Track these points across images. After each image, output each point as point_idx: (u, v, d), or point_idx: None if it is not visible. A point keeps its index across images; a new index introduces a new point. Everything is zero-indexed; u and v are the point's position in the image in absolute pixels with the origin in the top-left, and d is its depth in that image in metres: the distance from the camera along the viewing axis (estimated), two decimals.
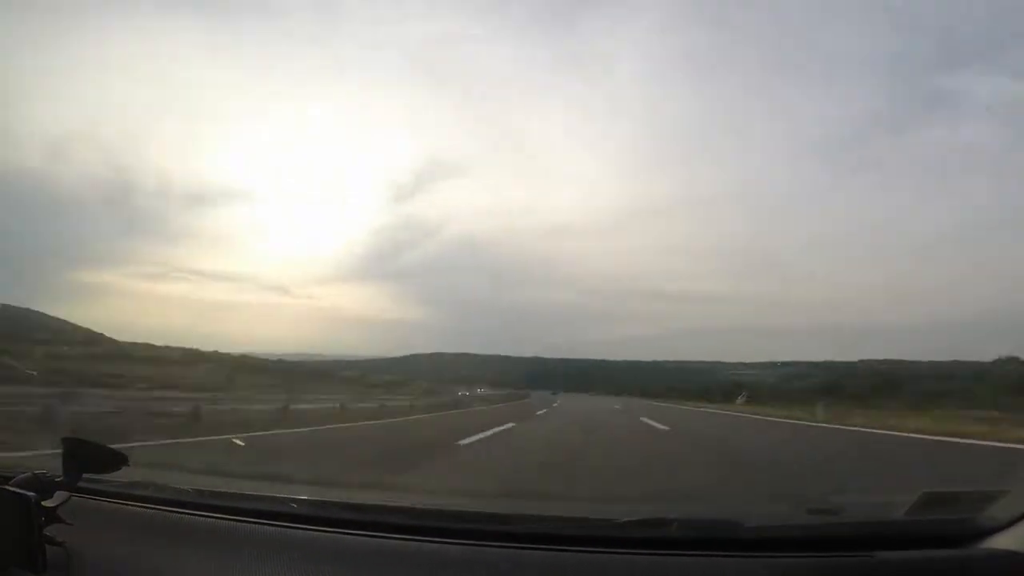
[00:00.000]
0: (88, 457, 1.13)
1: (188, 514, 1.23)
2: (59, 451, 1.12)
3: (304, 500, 1.28)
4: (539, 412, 18.03)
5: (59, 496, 1.05)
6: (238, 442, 6.25)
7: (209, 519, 1.21)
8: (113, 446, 1.17)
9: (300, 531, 1.12)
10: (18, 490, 0.97)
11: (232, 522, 1.19)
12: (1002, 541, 0.90)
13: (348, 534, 1.10)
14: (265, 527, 1.15)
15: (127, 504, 1.29)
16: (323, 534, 1.11)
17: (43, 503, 0.98)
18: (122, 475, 1.22)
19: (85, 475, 1.13)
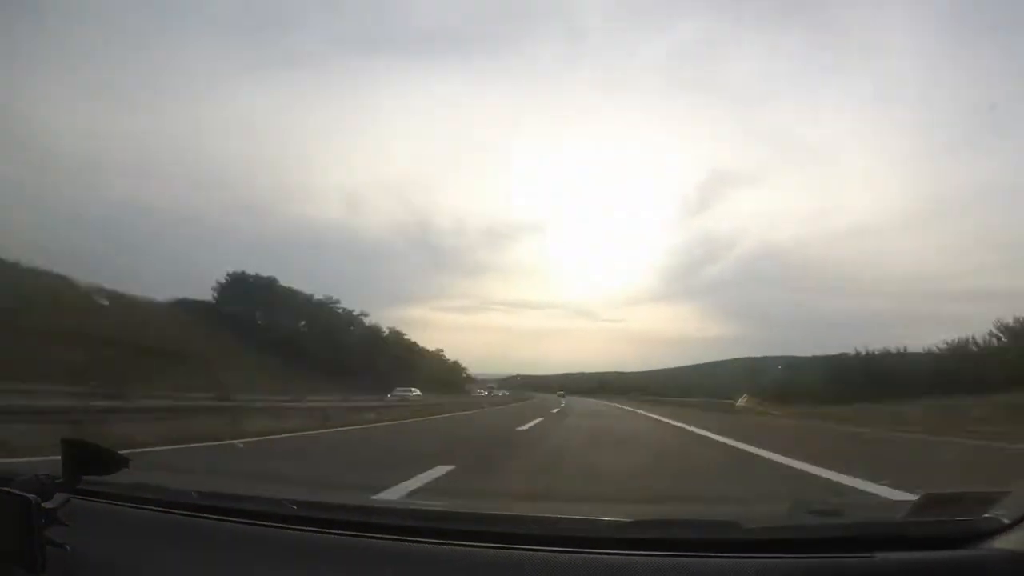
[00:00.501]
0: (88, 459, 1.13)
1: (188, 516, 1.23)
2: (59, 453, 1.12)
3: (304, 501, 1.28)
4: None
5: (59, 498, 1.05)
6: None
7: (209, 521, 1.20)
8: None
9: (300, 532, 1.12)
10: (18, 492, 0.96)
11: (232, 524, 1.19)
12: (1004, 542, 0.90)
13: (348, 535, 1.10)
14: (265, 528, 1.15)
15: (127, 506, 1.29)
16: (323, 535, 1.11)
17: (43, 505, 0.98)
18: (122, 477, 1.22)
19: (85, 477, 1.12)
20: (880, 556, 0.89)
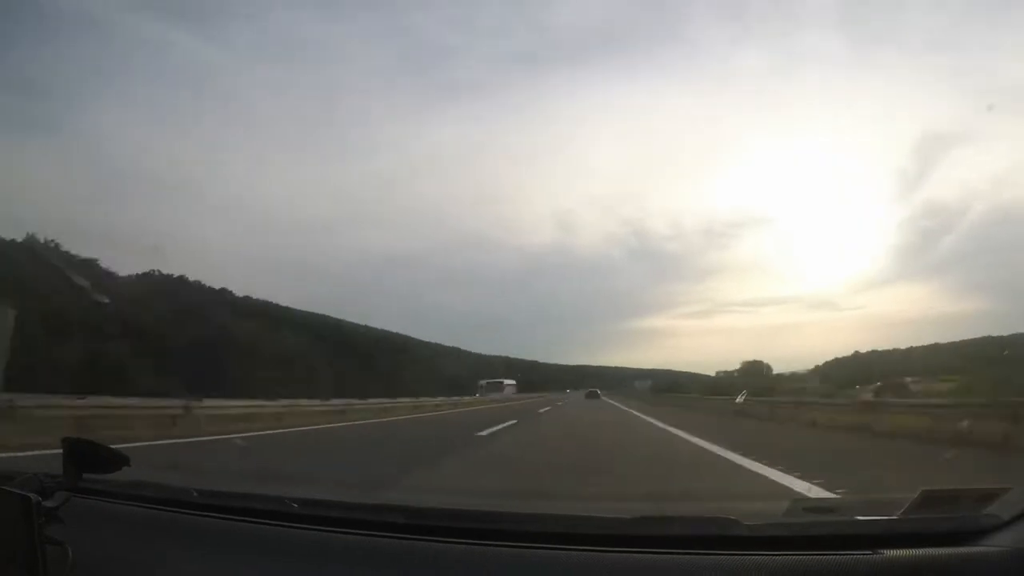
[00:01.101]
0: (88, 457, 1.13)
1: (188, 514, 1.23)
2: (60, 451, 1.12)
3: (304, 500, 1.28)
4: None
5: (59, 496, 1.05)
6: None
7: (209, 519, 1.21)
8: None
9: (300, 531, 1.12)
10: (19, 490, 0.96)
11: (233, 522, 1.19)
12: (1003, 539, 0.90)
13: (348, 533, 1.10)
14: (266, 527, 1.16)
15: (127, 504, 1.29)
16: (323, 534, 1.11)
17: (44, 503, 0.98)
18: (122, 475, 1.22)
19: (85, 475, 1.13)
20: (880, 553, 0.89)
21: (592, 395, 42.08)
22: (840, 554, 0.90)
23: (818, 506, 1.23)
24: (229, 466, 5.67)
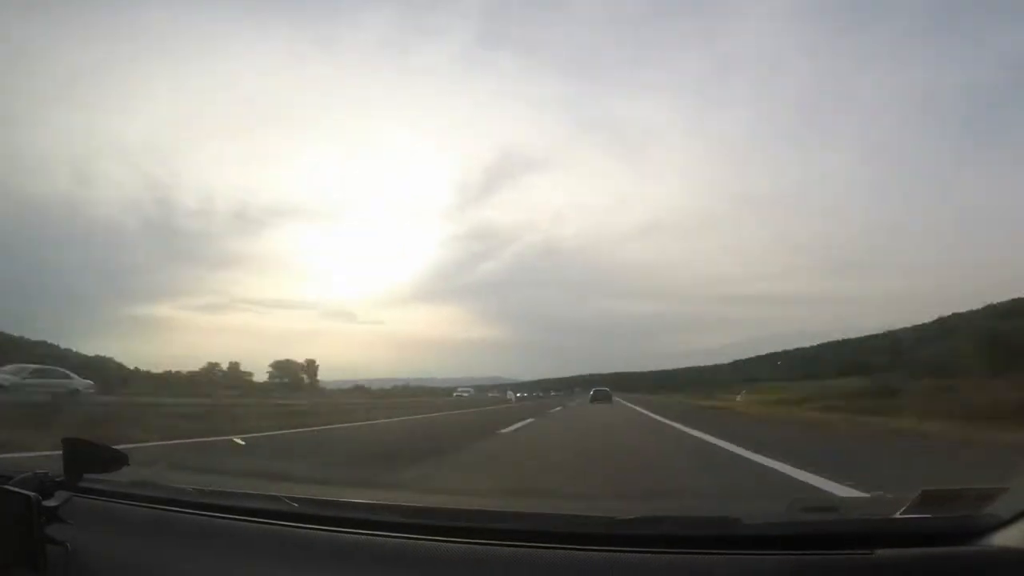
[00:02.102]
0: (89, 457, 1.13)
1: (189, 514, 1.23)
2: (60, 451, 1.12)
3: (304, 499, 1.28)
4: None
5: (60, 496, 1.05)
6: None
7: (210, 518, 1.21)
8: None
9: (300, 530, 1.13)
10: (19, 490, 0.97)
11: (233, 521, 1.19)
12: (1002, 539, 0.90)
13: (348, 533, 1.10)
14: (266, 526, 1.16)
15: (128, 504, 1.29)
16: (323, 533, 1.11)
17: (44, 503, 0.99)
18: (123, 475, 1.22)
19: (86, 475, 1.13)
20: (878, 552, 0.89)
21: None
22: (840, 553, 0.91)
23: (818, 505, 1.23)
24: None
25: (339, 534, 1.10)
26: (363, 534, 1.09)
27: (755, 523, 1.04)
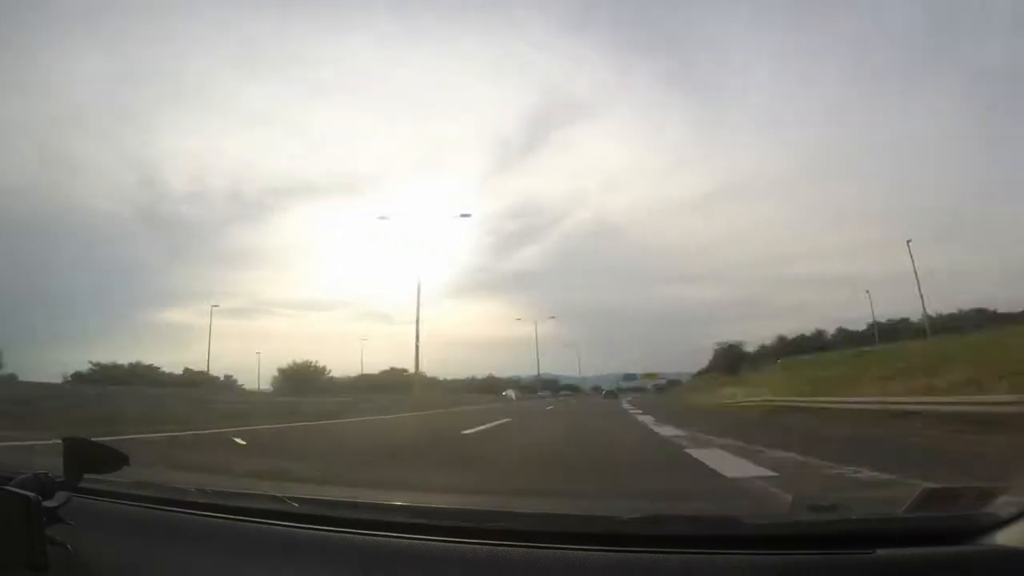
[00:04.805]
0: (89, 457, 1.13)
1: (190, 513, 1.24)
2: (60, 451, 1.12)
3: (306, 499, 1.28)
4: None
5: (60, 496, 1.05)
6: None
7: (210, 518, 1.21)
8: None
9: (301, 530, 1.13)
10: (19, 491, 0.97)
11: (234, 521, 1.19)
12: (1003, 537, 0.90)
13: (349, 533, 1.10)
14: (267, 526, 1.16)
15: (128, 504, 1.29)
16: (324, 533, 1.11)
17: (44, 503, 0.99)
18: (123, 475, 1.22)
19: (86, 475, 1.13)
20: (880, 552, 0.89)
21: None
22: (841, 553, 0.90)
23: (818, 505, 1.23)
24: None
25: (339, 534, 1.10)
26: (364, 534, 1.09)
27: (756, 523, 1.04)
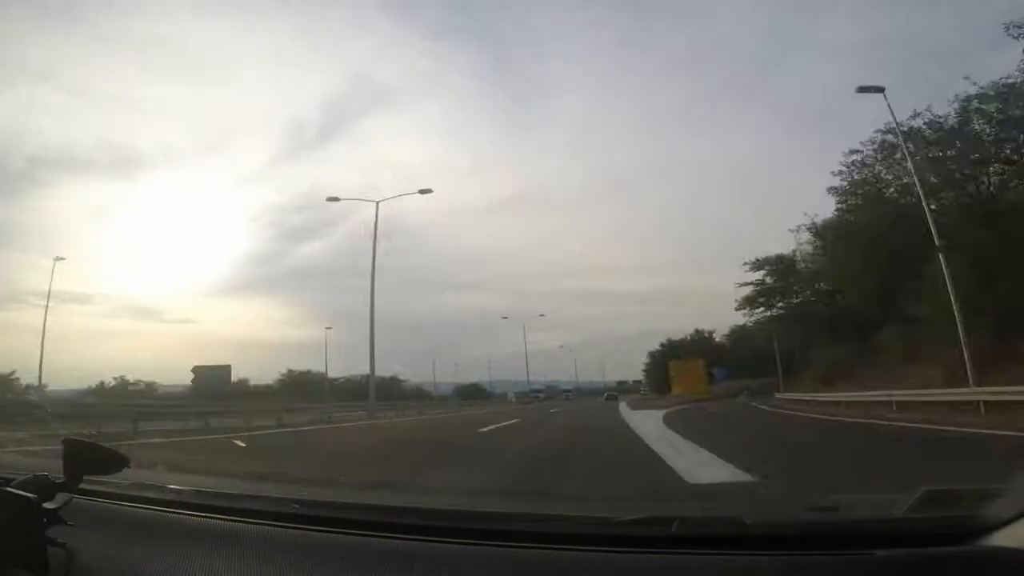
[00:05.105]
0: (89, 458, 1.13)
1: (189, 515, 1.24)
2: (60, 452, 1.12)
3: (305, 500, 1.28)
4: None
5: (60, 498, 1.06)
6: None
7: (210, 520, 1.21)
8: None
9: (301, 531, 1.13)
10: (20, 492, 0.97)
11: (233, 523, 1.19)
12: (1003, 538, 0.90)
13: (348, 534, 1.10)
14: (266, 527, 1.16)
15: (128, 505, 1.29)
16: (323, 534, 1.11)
17: (44, 505, 0.99)
18: (123, 476, 1.22)
19: (86, 476, 1.13)
20: (879, 552, 0.89)
21: None
22: (841, 553, 0.91)
23: (819, 505, 1.23)
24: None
25: (339, 535, 1.10)
26: (363, 535, 1.09)
27: (756, 523, 1.04)
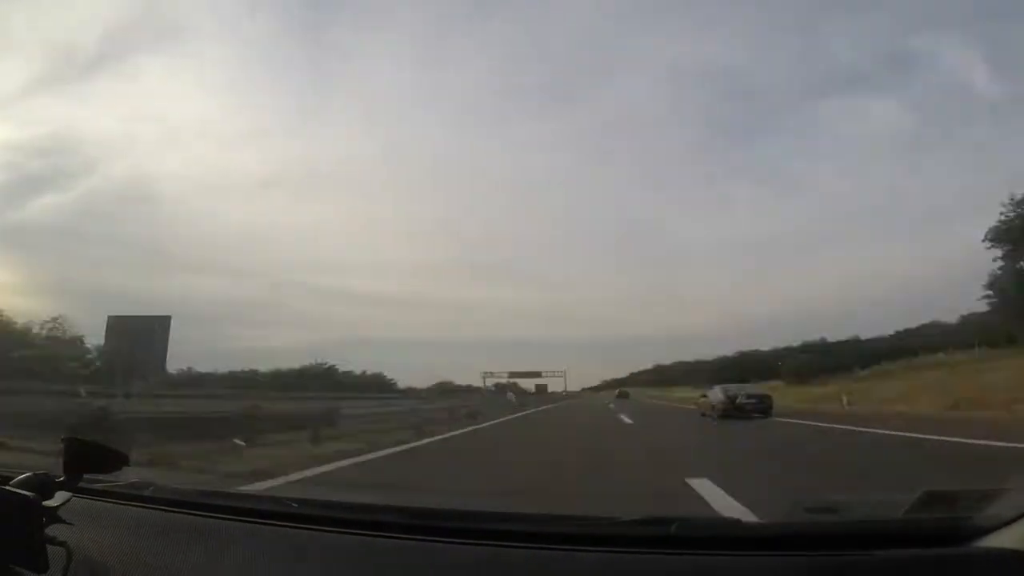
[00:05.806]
0: (88, 457, 1.13)
1: (188, 514, 1.24)
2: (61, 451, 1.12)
3: (303, 499, 1.28)
4: None
5: (60, 496, 1.05)
6: None
7: (209, 519, 1.21)
8: None
9: (300, 530, 1.13)
10: (19, 490, 0.97)
11: (232, 522, 1.19)
12: (1002, 539, 0.90)
13: (347, 533, 1.10)
14: (265, 527, 1.16)
15: (128, 504, 1.29)
16: (323, 533, 1.11)
17: (44, 503, 0.99)
18: (122, 475, 1.22)
19: (86, 475, 1.13)
20: (879, 553, 0.89)
21: None
22: (840, 554, 0.91)
23: (819, 506, 1.23)
24: None
25: (339, 535, 1.10)
26: (363, 535, 1.09)
27: (755, 524, 1.04)
